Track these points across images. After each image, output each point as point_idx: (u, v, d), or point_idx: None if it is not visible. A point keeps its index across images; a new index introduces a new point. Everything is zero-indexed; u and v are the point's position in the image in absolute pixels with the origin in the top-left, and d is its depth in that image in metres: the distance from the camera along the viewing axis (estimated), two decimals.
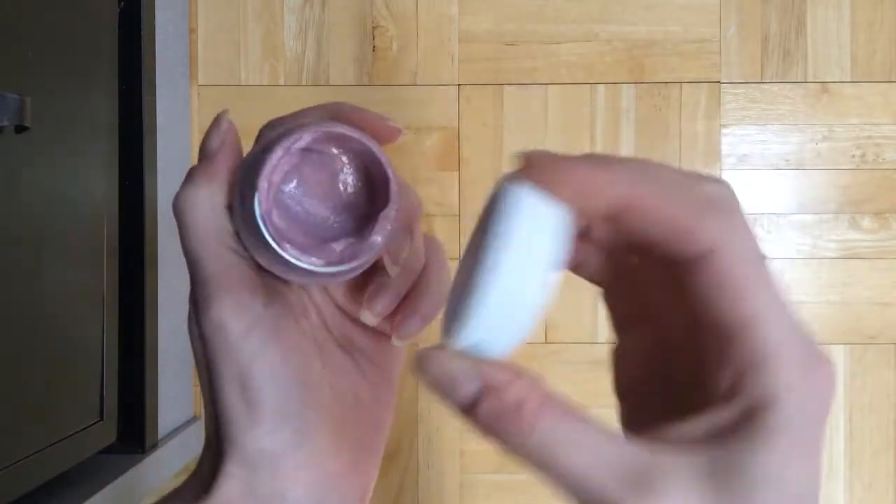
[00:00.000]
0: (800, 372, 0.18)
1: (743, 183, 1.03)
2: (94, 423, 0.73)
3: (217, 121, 0.27)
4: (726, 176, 1.02)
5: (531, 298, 0.19)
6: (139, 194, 0.83)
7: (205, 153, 0.26)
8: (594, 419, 0.19)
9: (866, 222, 1.02)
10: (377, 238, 0.25)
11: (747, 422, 0.18)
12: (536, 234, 0.19)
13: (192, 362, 1.01)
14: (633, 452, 0.18)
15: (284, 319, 0.26)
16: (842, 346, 1.02)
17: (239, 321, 0.25)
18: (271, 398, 0.25)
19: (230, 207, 0.26)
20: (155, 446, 0.85)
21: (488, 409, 0.18)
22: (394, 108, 1.03)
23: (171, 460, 0.90)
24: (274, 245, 0.24)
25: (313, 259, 0.25)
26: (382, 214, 0.25)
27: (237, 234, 0.26)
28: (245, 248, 0.26)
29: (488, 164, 1.03)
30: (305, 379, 0.26)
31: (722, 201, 0.20)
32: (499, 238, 0.19)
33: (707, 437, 0.18)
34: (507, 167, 1.08)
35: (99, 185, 0.74)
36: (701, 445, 0.18)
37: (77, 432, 0.70)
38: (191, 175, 0.26)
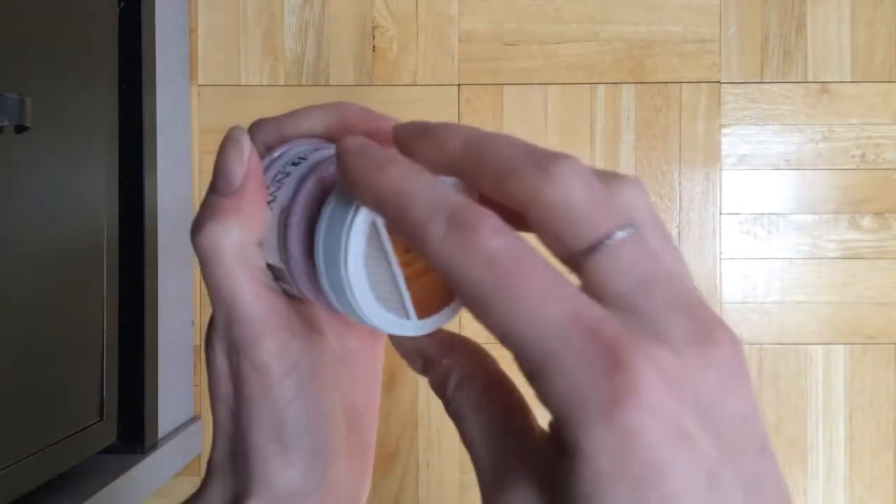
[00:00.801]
0: (594, 423, 0.15)
1: (743, 183, 1.03)
2: (94, 423, 0.74)
3: (235, 142, 0.24)
4: (726, 176, 1.02)
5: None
6: (139, 194, 0.83)
7: (226, 180, 0.24)
8: None
9: (866, 222, 1.02)
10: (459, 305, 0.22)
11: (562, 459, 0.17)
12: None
13: (193, 363, 1.01)
14: None
15: (319, 355, 0.25)
16: (842, 346, 1.02)
17: (281, 363, 0.24)
18: (305, 440, 0.25)
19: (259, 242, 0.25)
20: (155, 446, 0.85)
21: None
22: (394, 108, 1.03)
23: (171, 460, 0.90)
24: (360, 304, 0.21)
25: (408, 324, 0.22)
26: None
27: (268, 266, 0.24)
28: (275, 279, 0.25)
29: None
30: (330, 413, 0.26)
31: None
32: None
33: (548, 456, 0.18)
34: None
35: (99, 185, 0.74)
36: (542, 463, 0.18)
37: (77, 432, 0.70)
38: (215, 209, 0.24)
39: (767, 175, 1.03)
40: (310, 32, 1.03)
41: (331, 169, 0.23)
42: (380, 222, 0.20)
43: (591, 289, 0.17)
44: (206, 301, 1.04)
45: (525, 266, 0.16)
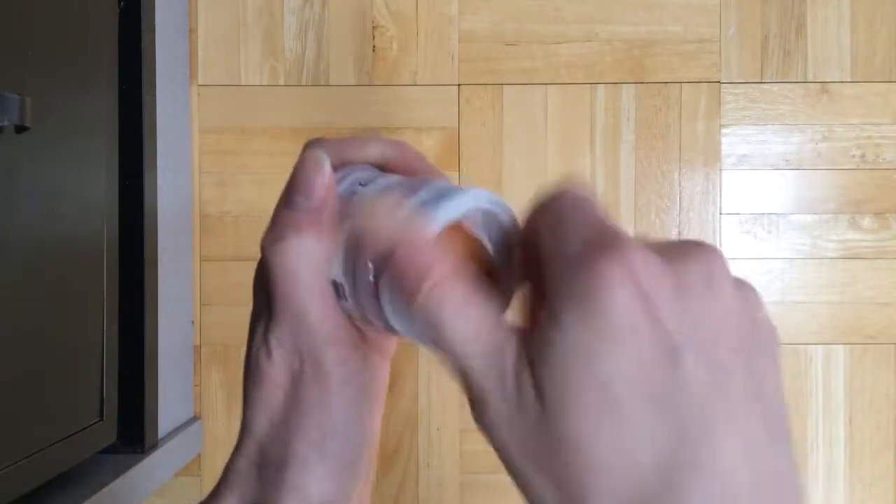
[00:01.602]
0: (580, 290, 0.18)
1: (743, 183, 1.03)
2: (94, 423, 0.74)
3: (317, 163, 0.26)
4: (726, 176, 1.02)
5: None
6: (139, 194, 0.83)
7: (308, 197, 0.25)
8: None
9: (866, 222, 1.02)
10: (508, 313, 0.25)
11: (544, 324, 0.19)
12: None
13: (193, 363, 1.01)
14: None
15: (369, 372, 0.27)
16: (842, 346, 1.02)
17: (340, 374, 0.25)
18: (346, 452, 0.26)
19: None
20: (155, 446, 0.85)
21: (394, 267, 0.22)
22: (394, 108, 1.03)
23: (171, 460, 0.90)
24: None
25: None
26: (510, 285, 0.25)
27: (334, 283, 0.25)
28: (338, 297, 0.26)
29: (488, 164, 1.03)
30: (369, 428, 0.27)
31: None
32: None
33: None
34: (508, 167, 1.08)
35: (99, 185, 0.74)
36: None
37: (77, 432, 0.70)
38: (295, 224, 0.25)
39: (767, 175, 1.03)
40: (310, 32, 1.03)
41: (399, 195, 0.25)
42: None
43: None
44: (206, 301, 1.04)
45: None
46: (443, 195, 0.24)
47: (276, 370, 0.26)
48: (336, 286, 0.25)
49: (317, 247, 0.25)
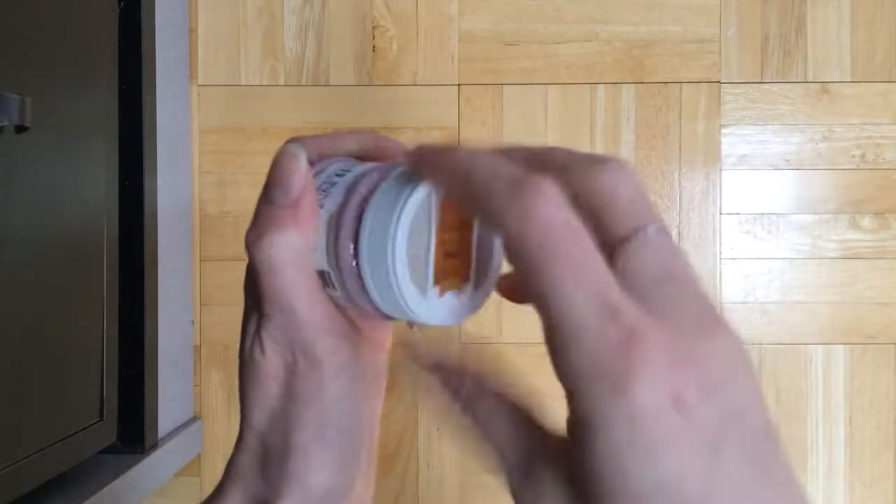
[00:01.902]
0: (608, 395, 0.17)
1: (743, 183, 1.03)
2: (94, 423, 0.74)
3: (293, 156, 0.26)
4: (726, 176, 1.02)
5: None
6: (139, 194, 0.83)
7: (286, 191, 0.25)
8: None
9: (866, 222, 1.02)
10: (490, 289, 0.25)
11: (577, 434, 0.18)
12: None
13: (193, 363, 1.01)
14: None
15: (361, 361, 0.27)
16: (842, 346, 1.02)
17: (333, 362, 0.26)
18: (344, 440, 0.26)
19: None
20: (155, 446, 0.85)
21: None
22: (394, 108, 1.03)
23: (171, 460, 0.90)
24: (404, 296, 0.24)
25: (441, 313, 0.25)
26: (492, 267, 0.26)
27: (320, 273, 0.26)
28: (326, 286, 0.26)
29: None
30: (364, 417, 0.27)
31: None
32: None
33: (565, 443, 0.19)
34: None
35: (99, 185, 0.74)
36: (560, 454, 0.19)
37: (77, 432, 0.70)
38: (275, 219, 0.25)
39: (767, 175, 1.03)
40: (310, 32, 1.03)
41: (375, 178, 0.25)
42: (434, 196, 0.24)
43: (620, 272, 0.19)
44: (206, 301, 1.04)
45: (577, 240, 0.18)
46: (394, 207, 0.24)
47: (271, 364, 0.26)
48: (323, 276, 0.26)
49: (299, 239, 0.25)
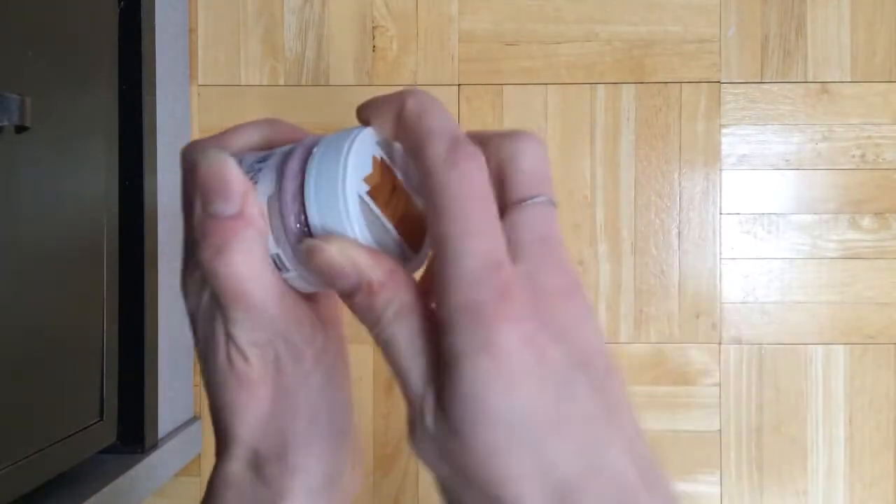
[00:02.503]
0: (479, 329, 0.21)
1: (743, 183, 1.03)
2: (94, 423, 0.74)
3: (223, 163, 0.25)
4: (726, 176, 1.02)
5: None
6: (139, 194, 0.83)
7: (231, 201, 0.24)
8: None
9: (866, 222, 1.02)
10: (427, 251, 0.26)
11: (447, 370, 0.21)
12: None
13: (193, 363, 1.01)
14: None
15: (332, 347, 0.27)
16: (842, 346, 1.02)
17: (311, 351, 0.26)
18: (335, 422, 0.27)
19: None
20: (155, 446, 0.85)
21: (360, 302, 0.23)
22: None
23: (171, 460, 0.90)
24: (350, 216, 0.23)
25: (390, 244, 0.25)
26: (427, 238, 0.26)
27: (275, 257, 0.25)
28: (278, 269, 0.25)
29: None
30: (348, 393, 0.28)
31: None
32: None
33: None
34: None
35: (99, 185, 0.74)
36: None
37: (77, 432, 0.70)
38: (230, 230, 0.24)
39: (767, 175, 1.03)
40: (310, 32, 1.03)
41: (303, 150, 0.25)
42: (376, 139, 0.25)
43: (507, 228, 0.23)
44: None
45: (487, 202, 0.22)
46: (340, 148, 0.24)
47: (254, 369, 0.26)
48: (274, 261, 0.25)
49: (259, 246, 0.25)
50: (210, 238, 0.24)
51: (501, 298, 0.21)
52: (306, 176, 0.24)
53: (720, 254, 1.03)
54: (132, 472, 0.78)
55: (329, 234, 0.23)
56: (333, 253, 0.23)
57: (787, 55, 1.03)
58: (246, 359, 0.26)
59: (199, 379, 1.02)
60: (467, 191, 0.22)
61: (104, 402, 0.75)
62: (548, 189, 0.24)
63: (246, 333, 0.25)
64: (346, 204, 0.23)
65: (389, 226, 0.24)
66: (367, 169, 0.24)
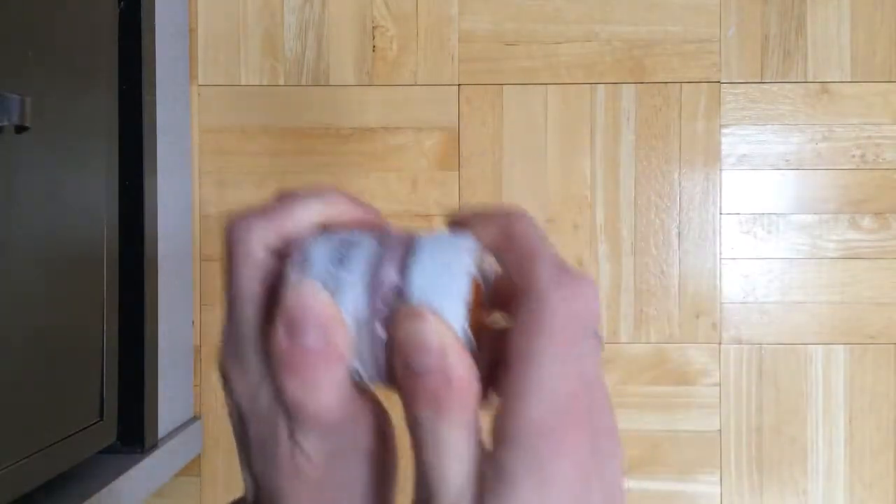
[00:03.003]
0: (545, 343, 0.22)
1: (743, 183, 1.03)
2: (94, 423, 0.74)
3: (314, 293, 0.23)
4: (726, 176, 1.02)
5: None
6: (139, 194, 0.83)
7: (323, 335, 0.23)
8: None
9: (866, 222, 1.02)
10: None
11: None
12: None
13: (193, 363, 1.01)
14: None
15: (391, 441, 0.27)
16: (842, 346, 1.02)
17: (368, 451, 0.26)
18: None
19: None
20: (155, 446, 0.85)
21: (426, 387, 0.22)
22: (394, 108, 1.03)
23: (171, 460, 0.90)
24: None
25: None
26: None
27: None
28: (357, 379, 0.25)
29: (488, 164, 1.03)
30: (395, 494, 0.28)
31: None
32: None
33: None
34: (508, 167, 1.08)
35: (99, 185, 0.74)
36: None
37: (77, 432, 0.70)
38: (320, 359, 0.23)
39: (767, 175, 1.03)
40: (310, 32, 1.03)
41: (395, 265, 0.24)
42: (477, 253, 0.24)
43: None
44: (206, 301, 1.04)
45: (588, 330, 0.23)
46: (449, 266, 0.23)
47: (318, 468, 0.25)
48: (351, 374, 0.25)
49: (345, 368, 0.24)
50: (296, 370, 0.23)
51: (575, 430, 0.21)
52: (408, 290, 0.23)
53: (720, 254, 1.03)
54: (132, 472, 0.78)
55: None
56: (431, 326, 0.22)
57: (787, 55, 1.03)
58: (310, 459, 0.25)
59: (199, 379, 1.02)
60: (569, 314, 0.22)
61: (104, 402, 0.75)
62: (598, 330, 0.24)
63: (316, 443, 0.24)
64: (454, 323, 0.22)
65: (473, 341, 0.23)
66: (467, 284, 0.23)
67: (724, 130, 1.03)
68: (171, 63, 0.94)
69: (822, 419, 1.02)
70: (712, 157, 1.03)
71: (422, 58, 1.03)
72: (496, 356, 0.24)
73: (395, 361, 0.23)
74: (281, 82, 1.03)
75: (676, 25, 1.02)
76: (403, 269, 0.23)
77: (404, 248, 0.24)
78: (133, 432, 0.82)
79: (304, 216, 0.25)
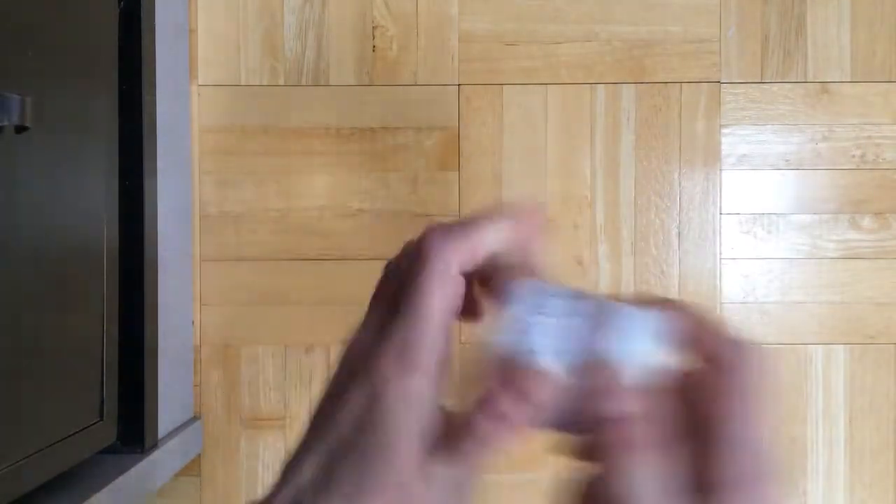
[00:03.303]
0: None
1: (743, 183, 1.03)
2: (94, 423, 0.74)
3: (540, 375, 0.24)
4: (726, 176, 1.02)
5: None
6: (139, 194, 0.83)
7: (536, 408, 0.24)
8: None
9: (866, 222, 1.02)
10: None
11: None
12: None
13: (193, 363, 1.01)
14: None
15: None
16: (842, 346, 1.02)
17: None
18: None
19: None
20: (155, 446, 0.85)
21: (609, 437, 0.23)
22: (394, 108, 1.03)
23: (171, 460, 0.90)
24: None
25: None
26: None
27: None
28: None
29: (488, 164, 1.03)
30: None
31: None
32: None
33: None
34: (508, 167, 1.07)
35: (99, 185, 0.74)
36: None
37: (77, 432, 0.70)
38: (510, 438, 0.23)
39: (767, 175, 1.03)
40: (310, 32, 1.03)
41: (588, 334, 0.25)
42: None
43: None
44: (206, 301, 1.04)
45: (774, 402, 0.25)
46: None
47: (432, 495, 0.24)
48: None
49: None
50: (491, 440, 0.24)
51: (772, 474, 0.23)
52: (604, 348, 0.25)
53: (720, 254, 1.03)
54: (132, 472, 0.78)
55: None
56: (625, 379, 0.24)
57: (787, 55, 1.03)
58: (430, 487, 0.24)
59: (199, 379, 1.02)
60: (759, 382, 0.24)
61: (104, 402, 0.75)
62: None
63: (440, 468, 0.24)
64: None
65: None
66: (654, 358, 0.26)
67: (724, 130, 1.03)
68: (171, 63, 0.94)
69: (822, 419, 1.02)
70: (712, 157, 1.03)
71: (422, 58, 1.03)
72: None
73: (587, 408, 0.24)
74: (281, 82, 1.03)
75: (676, 25, 1.02)
76: (598, 329, 0.25)
77: (599, 311, 0.25)
78: (133, 432, 0.82)
79: (487, 244, 0.26)
